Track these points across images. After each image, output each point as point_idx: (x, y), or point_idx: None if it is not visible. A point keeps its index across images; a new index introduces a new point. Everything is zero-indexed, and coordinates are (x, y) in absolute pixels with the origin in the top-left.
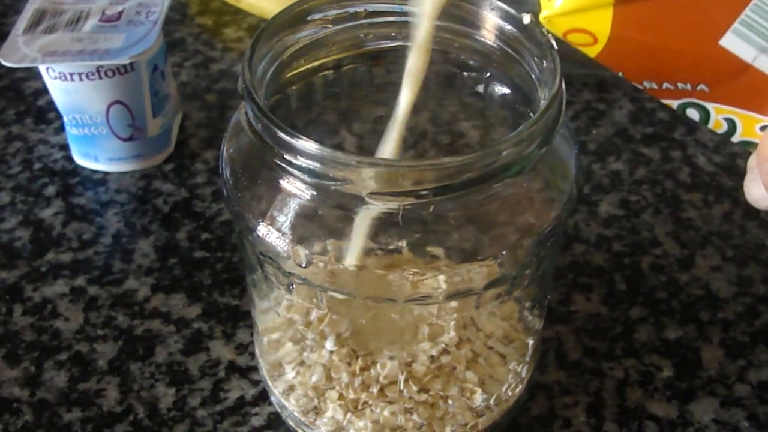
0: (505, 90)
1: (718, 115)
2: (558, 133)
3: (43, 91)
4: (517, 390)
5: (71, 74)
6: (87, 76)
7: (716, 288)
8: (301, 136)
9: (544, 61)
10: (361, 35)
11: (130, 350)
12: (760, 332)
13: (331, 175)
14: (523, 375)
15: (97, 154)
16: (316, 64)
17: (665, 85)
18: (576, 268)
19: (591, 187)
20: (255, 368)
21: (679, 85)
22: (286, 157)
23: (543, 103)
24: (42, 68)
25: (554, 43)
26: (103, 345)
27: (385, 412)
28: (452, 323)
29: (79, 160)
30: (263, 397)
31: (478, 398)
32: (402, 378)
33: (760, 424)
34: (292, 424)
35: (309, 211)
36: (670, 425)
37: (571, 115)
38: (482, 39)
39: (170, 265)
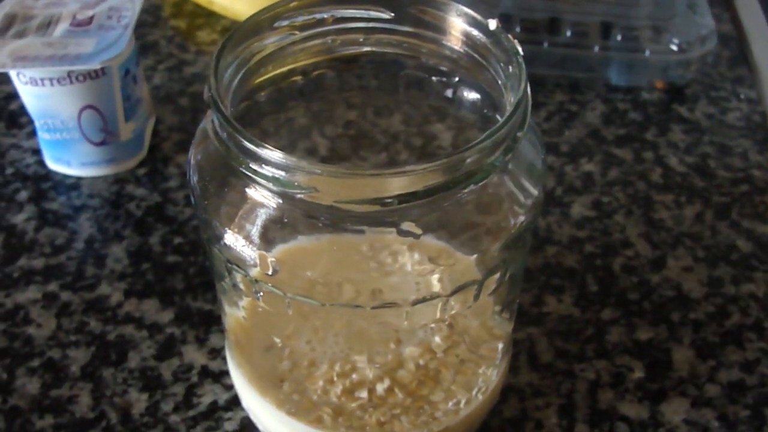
0: (474, 94)
1: None
2: (523, 139)
3: (14, 95)
4: (488, 393)
5: (42, 79)
6: (58, 81)
7: (687, 289)
8: (266, 145)
9: (510, 67)
10: (329, 41)
11: (102, 356)
12: (730, 332)
13: (296, 184)
14: (494, 378)
15: (70, 159)
16: (284, 70)
17: None
18: (548, 270)
19: (563, 188)
20: (228, 373)
21: None
22: (252, 165)
23: (508, 109)
24: (12, 73)
25: (520, 48)
26: (76, 351)
27: (367, 418)
28: (423, 329)
29: (52, 164)
30: (236, 401)
31: (450, 402)
32: (371, 381)
33: (729, 423)
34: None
35: (276, 219)
36: (641, 426)
37: (544, 117)
38: (450, 44)
39: (143, 270)
